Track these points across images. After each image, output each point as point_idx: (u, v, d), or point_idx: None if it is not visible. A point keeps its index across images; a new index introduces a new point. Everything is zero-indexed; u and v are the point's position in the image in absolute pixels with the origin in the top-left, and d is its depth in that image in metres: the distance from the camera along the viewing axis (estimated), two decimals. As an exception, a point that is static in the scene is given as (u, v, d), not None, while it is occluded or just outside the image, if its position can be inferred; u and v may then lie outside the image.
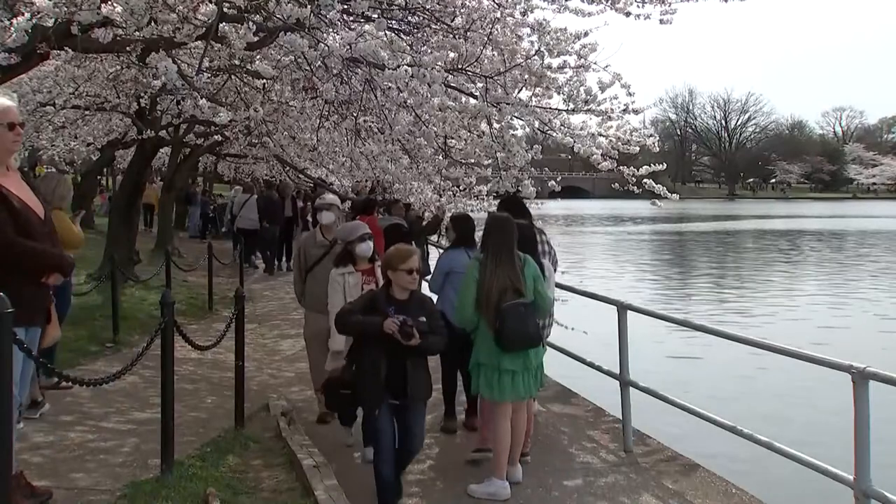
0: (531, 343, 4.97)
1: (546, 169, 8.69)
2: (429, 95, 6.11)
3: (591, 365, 6.57)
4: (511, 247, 5.09)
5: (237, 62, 6.68)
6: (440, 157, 8.29)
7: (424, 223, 9.78)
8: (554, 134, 7.28)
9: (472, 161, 8.34)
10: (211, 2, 5.26)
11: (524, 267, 5.08)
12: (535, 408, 6.20)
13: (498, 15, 6.40)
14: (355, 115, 7.76)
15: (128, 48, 5.89)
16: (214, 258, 12.51)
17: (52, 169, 13.01)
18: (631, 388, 5.90)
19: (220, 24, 5.53)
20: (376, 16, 6.37)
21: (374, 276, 5.75)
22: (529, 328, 4.92)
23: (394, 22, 6.83)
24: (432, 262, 8.12)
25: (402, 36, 6.95)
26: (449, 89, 6.71)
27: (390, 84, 5.98)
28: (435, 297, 5.94)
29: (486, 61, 6.76)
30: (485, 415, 5.50)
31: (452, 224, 6.54)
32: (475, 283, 5.03)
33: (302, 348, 9.16)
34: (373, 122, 8.39)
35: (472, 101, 7.00)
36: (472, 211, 13.21)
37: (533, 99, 7.17)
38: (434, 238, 11.08)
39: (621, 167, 7.30)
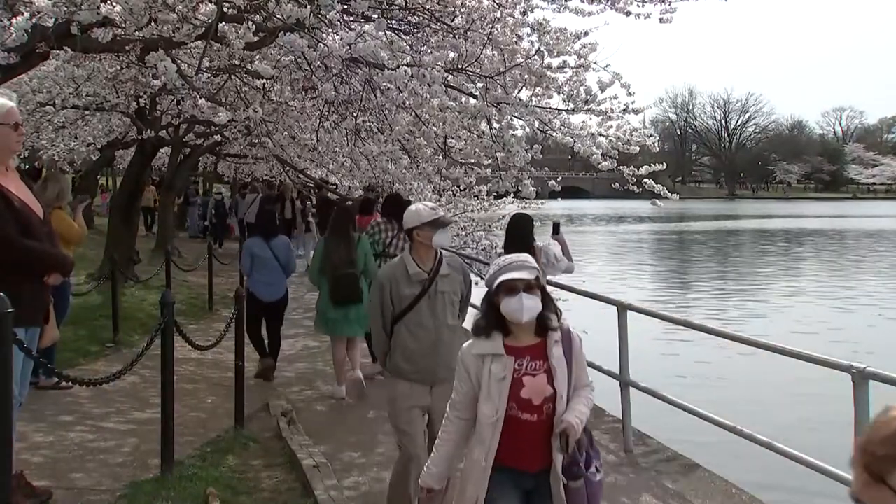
0: (348, 300, 6.81)
1: (546, 169, 8.70)
2: (428, 96, 6.11)
3: (590, 365, 6.54)
4: (347, 231, 6.93)
5: (237, 62, 6.68)
6: (440, 157, 8.29)
7: None
8: (554, 134, 7.29)
9: (472, 161, 8.34)
10: (211, 2, 5.25)
11: (358, 245, 6.91)
12: None
13: (498, 15, 6.40)
14: (355, 115, 7.76)
15: (127, 48, 5.88)
16: (214, 258, 12.51)
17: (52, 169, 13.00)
18: (631, 388, 5.90)
19: (220, 24, 5.54)
20: (376, 16, 6.36)
21: (544, 362, 2.97)
22: (349, 290, 6.78)
23: (394, 22, 6.83)
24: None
25: (402, 36, 6.95)
26: (449, 89, 6.71)
27: (390, 84, 5.98)
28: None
29: (486, 61, 6.76)
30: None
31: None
32: (320, 256, 6.92)
33: (303, 349, 9.18)
34: (372, 122, 8.38)
35: (472, 101, 7.00)
36: (472, 211, 13.26)
37: (533, 99, 7.17)
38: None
39: (621, 167, 7.31)
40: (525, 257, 3.09)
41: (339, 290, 6.78)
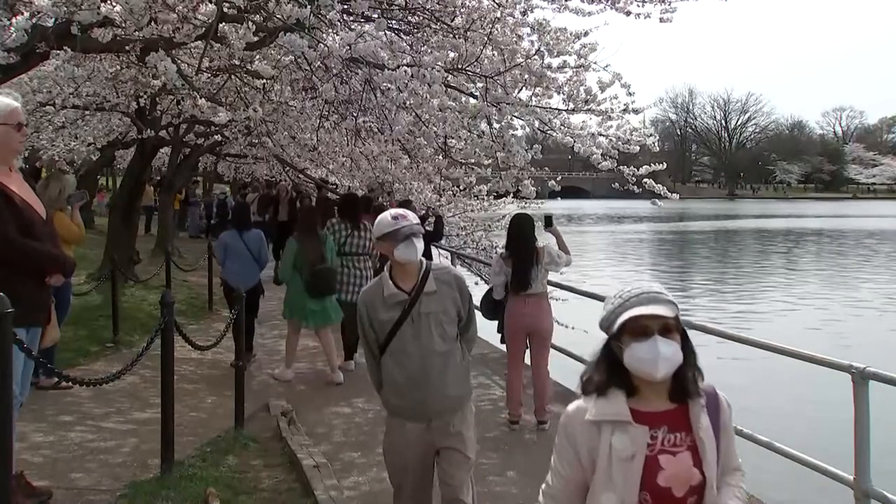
0: (329, 292, 7.57)
1: (546, 169, 8.70)
2: (428, 96, 6.10)
3: (590, 365, 6.54)
4: (314, 230, 7.71)
5: (237, 62, 6.67)
6: (440, 157, 8.29)
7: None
8: (554, 134, 7.28)
9: (472, 161, 8.34)
10: (211, 2, 5.25)
11: (325, 242, 7.64)
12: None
13: (498, 15, 6.39)
14: (355, 115, 7.76)
15: (127, 48, 5.88)
16: (214, 258, 12.49)
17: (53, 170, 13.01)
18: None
19: (220, 24, 5.52)
20: (376, 16, 6.36)
21: (688, 434, 2.12)
22: (329, 283, 7.52)
23: (394, 22, 6.82)
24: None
25: (402, 36, 6.94)
26: (449, 89, 6.70)
27: (390, 84, 5.98)
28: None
29: (486, 61, 6.75)
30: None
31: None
32: (294, 253, 7.56)
33: (303, 349, 9.15)
34: (373, 122, 8.38)
35: (472, 101, 7.00)
36: (472, 211, 13.23)
37: (533, 99, 7.16)
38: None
39: (621, 167, 7.30)
40: (658, 287, 2.22)
41: (319, 283, 7.46)
